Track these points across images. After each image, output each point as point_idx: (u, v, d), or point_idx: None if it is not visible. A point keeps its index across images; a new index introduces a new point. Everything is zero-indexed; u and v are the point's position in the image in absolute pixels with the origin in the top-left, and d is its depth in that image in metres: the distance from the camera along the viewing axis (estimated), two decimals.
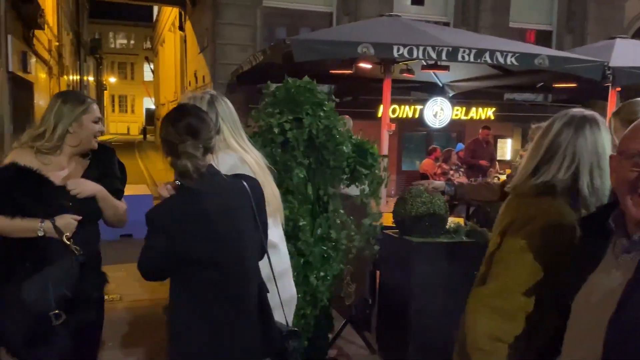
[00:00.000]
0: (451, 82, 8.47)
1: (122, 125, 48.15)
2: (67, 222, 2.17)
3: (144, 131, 39.17)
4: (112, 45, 49.76)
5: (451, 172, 8.71)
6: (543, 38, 12.12)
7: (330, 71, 6.98)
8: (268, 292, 2.01)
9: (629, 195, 1.26)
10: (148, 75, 41.36)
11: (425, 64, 6.60)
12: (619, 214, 1.32)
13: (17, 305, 2.04)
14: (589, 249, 1.39)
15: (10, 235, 2.14)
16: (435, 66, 6.63)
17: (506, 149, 12.56)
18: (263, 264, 2.05)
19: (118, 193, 2.40)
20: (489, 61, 5.55)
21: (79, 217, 2.20)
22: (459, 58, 5.40)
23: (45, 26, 12.59)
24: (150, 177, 15.59)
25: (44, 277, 2.07)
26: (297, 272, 2.88)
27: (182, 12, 16.27)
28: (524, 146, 10.11)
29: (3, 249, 2.16)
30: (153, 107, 33.83)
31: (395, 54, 5.20)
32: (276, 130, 2.86)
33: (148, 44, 44.73)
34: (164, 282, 1.92)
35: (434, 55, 5.34)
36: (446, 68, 6.80)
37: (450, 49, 5.32)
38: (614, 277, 1.26)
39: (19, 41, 9.69)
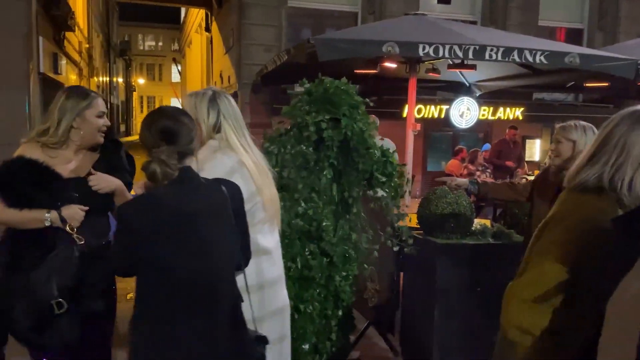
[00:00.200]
0: (478, 81, 8.31)
1: None
2: (74, 211, 2.20)
3: None
4: (141, 47, 50.74)
5: (477, 172, 8.55)
6: (573, 37, 11.87)
7: (355, 71, 6.91)
8: (242, 301, 1.90)
9: None
10: (175, 77, 42.06)
11: (451, 63, 6.50)
12: None
13: (24, 293, 2.07)
14: (624, 249, 1.34)
15: (20, 227, 2.18)
16: (461, 65, 6.49)
17: (535, 149, 12.35)
18: (249, 272, 1.98)
19: (128, 186, 2.43)
20: (518, 60, 5.38)
21: (86, 208, 2.23)
22: (487, 57, 5.24)
23: (76, 28, 12.88)
24: None
25: (48, 266, 2.10)
26: (320, 273, 2.86)
27: (209, 13, 16.48)
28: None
29: (14, 239, 2.21)
30: (180, 108, 34.21)
31: (421, 53, 5.10)
32: (312, 128, 2.83)
33: (176, 46, 45.50)
34: None
35: (460, 54, 5.22)
36: (473, 67, 6.65)
37: (477, 47, 5.19)
38: None
39: (50, 43, 9.91)
